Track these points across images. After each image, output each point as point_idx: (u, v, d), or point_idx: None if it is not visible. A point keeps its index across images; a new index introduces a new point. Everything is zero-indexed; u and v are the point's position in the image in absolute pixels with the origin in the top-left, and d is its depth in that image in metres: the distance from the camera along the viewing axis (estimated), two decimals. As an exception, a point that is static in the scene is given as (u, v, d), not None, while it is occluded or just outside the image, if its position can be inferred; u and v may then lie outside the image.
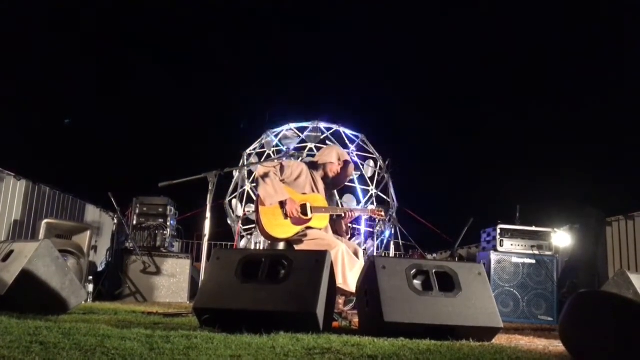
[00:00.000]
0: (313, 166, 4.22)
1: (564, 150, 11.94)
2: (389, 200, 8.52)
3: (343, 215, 4.06)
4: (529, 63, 14.23)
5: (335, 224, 4.12)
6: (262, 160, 7.31)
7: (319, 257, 2.73)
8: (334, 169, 4.17)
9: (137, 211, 6.07)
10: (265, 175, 3.89)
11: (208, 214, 3.84)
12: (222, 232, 8.64)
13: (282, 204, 3.85)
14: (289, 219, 3.84)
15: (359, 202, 8.17)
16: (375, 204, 8.29)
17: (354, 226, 7.59)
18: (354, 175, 8.12)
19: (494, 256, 5.27)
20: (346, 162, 4.24)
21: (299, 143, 8.43)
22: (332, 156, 4.18)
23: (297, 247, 3.83)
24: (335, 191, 4.53)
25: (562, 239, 6.06)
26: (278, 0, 16.08)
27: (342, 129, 8.66)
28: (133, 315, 3.52)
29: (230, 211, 8.47)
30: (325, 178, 4.19)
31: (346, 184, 4.98)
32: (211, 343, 2.04)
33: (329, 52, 16.18)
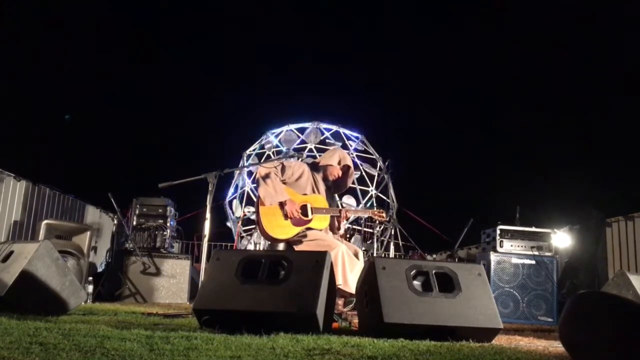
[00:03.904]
0: (314, 167, 4.19)
1: (564, 151, 11.95)
2: (388, 200, 8.52)
3: (339, 215, 4.04)
4: (530, 64, 14.25)
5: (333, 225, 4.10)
6: (262, 161, 7.31)
7: (319, 258, 2.73)
8: (334, 172, 4.12)
9: (137, 212, 6.07)
10: (266, 176, 3.88)
11: (208, 215, 3.83)
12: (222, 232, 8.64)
13: (282, 205, 3.84)
14: (289, 219, 3.84)
15: (358, 203, 8.16)
16: (375, 204, 8.29)
17: (354, 227, 7.59)
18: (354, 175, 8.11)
19: (493, 257, 5.26)
20: (347, 167, 4.20)
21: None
22: (333, 159, 4.13)
23: (297, 248, 3.83)
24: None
25: (561, 239, 6.06)
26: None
27: (341, 130, 8.66)
28: (133, 316, 3.52)
29: (230, 212, 8.47)
30: (325, 180, 4.16)
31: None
32: (211, 344, 2.04)
33: (330, 52, 16.20)
